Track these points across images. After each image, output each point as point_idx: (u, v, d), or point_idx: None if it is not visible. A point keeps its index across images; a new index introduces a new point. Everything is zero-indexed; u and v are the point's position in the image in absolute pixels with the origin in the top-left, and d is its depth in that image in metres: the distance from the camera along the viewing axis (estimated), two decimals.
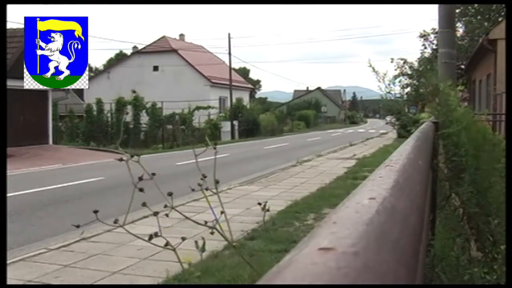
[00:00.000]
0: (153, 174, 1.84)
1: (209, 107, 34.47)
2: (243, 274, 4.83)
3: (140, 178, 1.80)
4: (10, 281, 4.86)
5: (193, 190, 1.90)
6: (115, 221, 1.85)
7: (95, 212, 1.78)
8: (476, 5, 25.15)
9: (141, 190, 1.78)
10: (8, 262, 5.35)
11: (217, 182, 1.94)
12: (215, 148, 2.11)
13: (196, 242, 1.90)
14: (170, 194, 1.85)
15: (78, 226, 1.88)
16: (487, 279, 2.54)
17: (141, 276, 5.24)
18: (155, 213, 1.86)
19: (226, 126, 35.56)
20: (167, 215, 1.84)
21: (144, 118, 30.82)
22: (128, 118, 30.20)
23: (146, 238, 1.79)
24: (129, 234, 2.02)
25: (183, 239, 1.88)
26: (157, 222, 1.80)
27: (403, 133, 5.25)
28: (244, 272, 4.85)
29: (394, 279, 0.45)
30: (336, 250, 0.43)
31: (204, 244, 1.91)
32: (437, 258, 2.55)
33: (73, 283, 5.10)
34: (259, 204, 2.07)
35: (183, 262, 2.60)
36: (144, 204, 1.83)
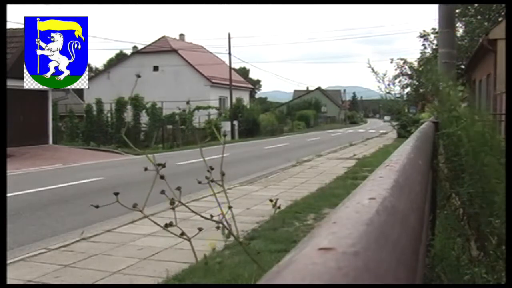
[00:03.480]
0: (162, 165, 1.86)
1: (209, 107, 34.48)
2: (243, 274, 4.83)
3: (163, 165, 1.83)
4: (10, 281, 4.86)
5: (199, 182, 1.92)
6: (134, 206, 1.88)
7: (116, 194, 1.81)
8: (476, 5, 25.15)
9: (162, 177, 1.81)
10: (8, 262, 5.35)
11: (223, 174, 1.95)
12: (224, 139, 2.12)
13: (222, 227, 1.91)
14: (178, 188, 1.86)
15: (97, 207, 1.93)
16: (487, 279, 2.54)
17: (141, 276, 5.24)
18: (172, 202, 1.87)
19: (226, 126, 35.56)
20: (173, 209, 1.86)
21: (144, 118, 30.81)
22: (128, 118, 30.19)
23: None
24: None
25: (200, 229, 1.91)
26: (173, 213, 1.83)
27: (403, 133, 5.25)
28: (244, 271, 4.85)
29: (394, 279, 0.45)
30: (336, 250, 0.43)
31: (230, 230, 1.91)
32: (437, 258, 2.55)
33: (73, 283, 5.10)
34: (271, 201, 2.11)
35: (209, 246, 2.63)
36: (162, 192, 1.85)
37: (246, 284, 4.65)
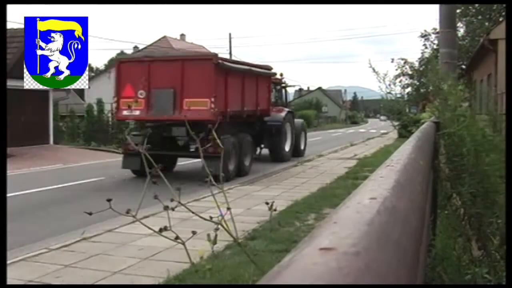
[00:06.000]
0: (164, 167, 1.86)
1: None
2: (244, 274, 4.83)
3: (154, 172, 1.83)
4: (10, 281, 4.86)
5: (200, 184, 1.93)
6: (127, 211, 1.88)
7: (109, 200, 1.81)
8: (477, 5, 25.15)
9: (154, 182, 1.81)
10: (8, 262, 5.35)
11: (222, 176, 1.96)
12: (221, 146, 2.13)
13: (208, 235, 1.90)
14: (178, 189, 1.86)
15: (90, 214, 1.95)
16: (488, 279, 2.54)
17: (142, 276, 5.24)
18: (166, 207, 1.87)
19: None
20: (173, 209, 1.86)
21: None
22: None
23: (153, 234, 1.82)
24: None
25: (194, 232, 1.91)
26: (167, 216, 1.82)
27: (404, 133, 5.25)
28: (245, 272, 4.85)
29: (395, 279, 0.45)
30: (337, 250, 0.43)
31: (216, 237, 1.91)
32: (438, 258, 2.55)
33: (73, 283, 5.10)
34: (267, 203, 2.09)
35: (199, 254, 2.67)
36: (155, 197, 1.85)
37: (246, 284, 4.65)
